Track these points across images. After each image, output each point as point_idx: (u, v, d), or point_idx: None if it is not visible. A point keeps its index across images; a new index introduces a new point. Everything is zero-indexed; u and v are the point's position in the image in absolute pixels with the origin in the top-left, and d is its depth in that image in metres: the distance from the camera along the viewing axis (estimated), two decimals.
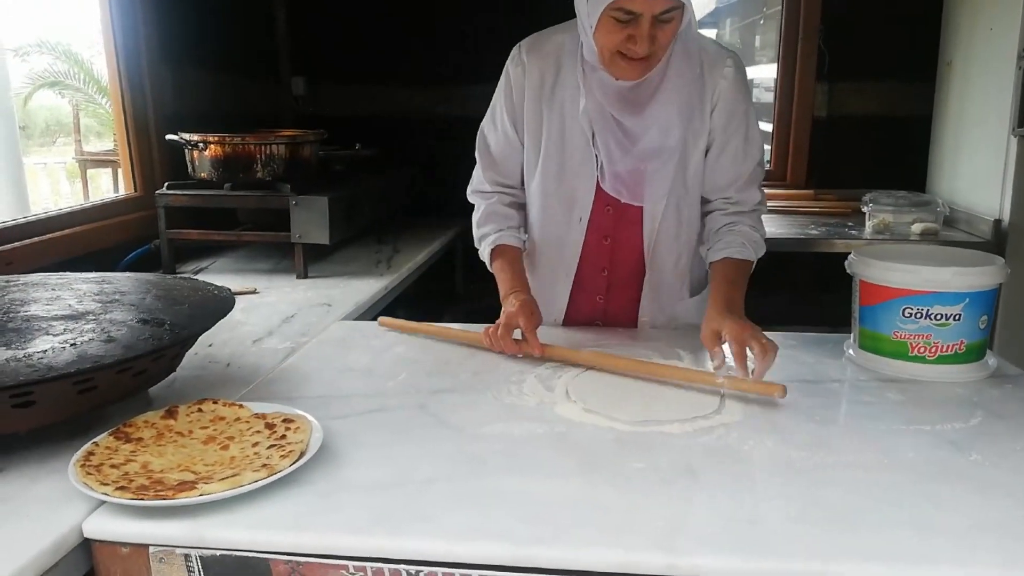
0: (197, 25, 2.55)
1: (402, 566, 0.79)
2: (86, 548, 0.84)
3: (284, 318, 1.68)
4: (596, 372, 1.27)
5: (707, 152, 1.45)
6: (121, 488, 0.84)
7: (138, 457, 0.93)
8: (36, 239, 1.85)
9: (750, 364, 1.19)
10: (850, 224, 2.74)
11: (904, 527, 0.81)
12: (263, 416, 1.02)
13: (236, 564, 0.81)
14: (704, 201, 1.51)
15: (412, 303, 2.28)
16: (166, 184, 2.14)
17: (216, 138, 2.10)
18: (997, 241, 2.40)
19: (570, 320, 1.57)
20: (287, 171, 2.15)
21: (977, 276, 1.21)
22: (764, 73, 3.80)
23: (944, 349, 1.22)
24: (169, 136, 2.15)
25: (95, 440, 0.95)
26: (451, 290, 3.13)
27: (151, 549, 0.82)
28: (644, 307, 1.55)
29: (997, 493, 0.88)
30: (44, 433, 0.98)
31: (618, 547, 0.78)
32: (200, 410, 1.04)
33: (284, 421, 1.00)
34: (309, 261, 2.10)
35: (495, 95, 1.52)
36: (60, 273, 1.38)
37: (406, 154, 3.09)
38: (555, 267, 1.54)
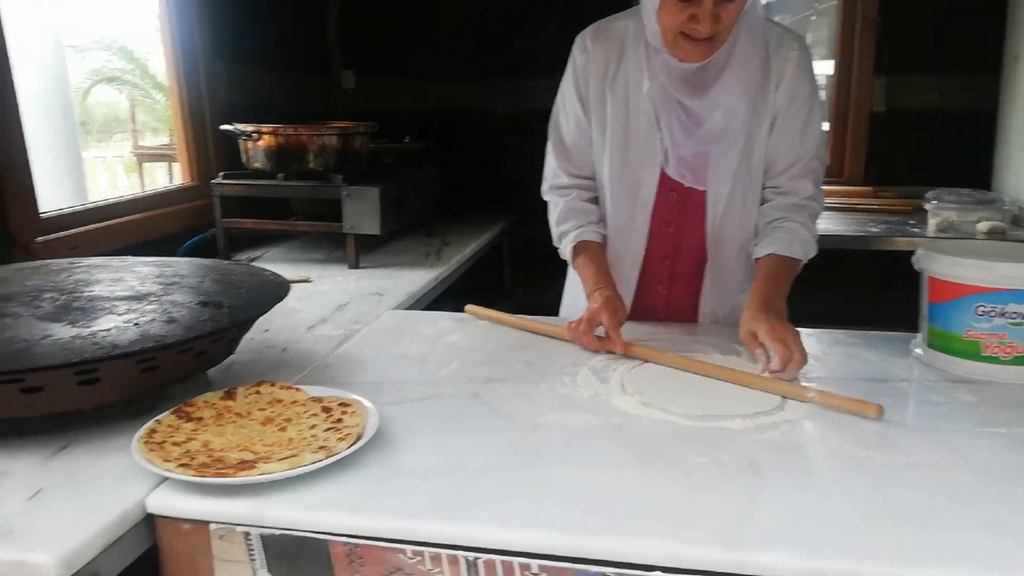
0: (251, 21, 2.60)
1: (460, 552, 0.79)
2: (149, 523, 0.85)
3: (337, 306, 1.69)
4: (651, 365, 1.25)
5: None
6: (183, 465, 0.85)
7: (199, 436, 0.94)
8: (98, 224, 1.89)
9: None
10: (912, 222, 2.65)
11: (978, 529, 0.78)
12: (320, 400, 1.02)
13: (295, 544, 0.81)
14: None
15: (461, 296, 2.27)
16: (221, 174, 2.18)
17: (269, 129, 2.13)
18: None
19: (635, 312, 1.52)
20: (339, 162, 2.16)
21: None
22: (817, 69, 3.71)
23: (1021, 350, 1.16)
24: (224, 126, 2.18)
25: (157, 418, 0.97)
26: (499, 285, 3.13)
27: (212, 526, 0.83)
28: (705, 297, 1.51)
29: None
30: (107, 412, 1.00)
31: (676, 540, 0.76)
32: (258, 392, 1.05)
33: (340, 405, 1.00)
34: (360, 252, 2.11)
35: (562, 84, 1.49)
36: (122, 256, 1.41)
37: (454, 148, 3.10)
38: (623, 256, 1.51)
